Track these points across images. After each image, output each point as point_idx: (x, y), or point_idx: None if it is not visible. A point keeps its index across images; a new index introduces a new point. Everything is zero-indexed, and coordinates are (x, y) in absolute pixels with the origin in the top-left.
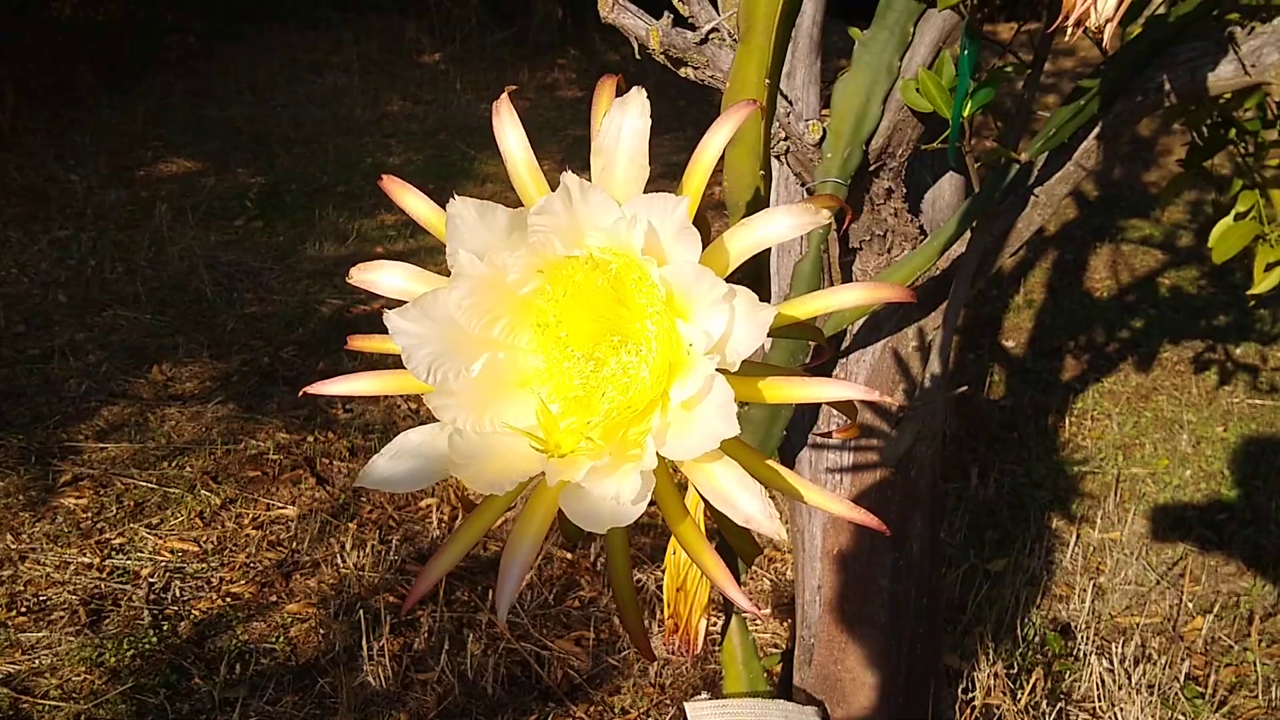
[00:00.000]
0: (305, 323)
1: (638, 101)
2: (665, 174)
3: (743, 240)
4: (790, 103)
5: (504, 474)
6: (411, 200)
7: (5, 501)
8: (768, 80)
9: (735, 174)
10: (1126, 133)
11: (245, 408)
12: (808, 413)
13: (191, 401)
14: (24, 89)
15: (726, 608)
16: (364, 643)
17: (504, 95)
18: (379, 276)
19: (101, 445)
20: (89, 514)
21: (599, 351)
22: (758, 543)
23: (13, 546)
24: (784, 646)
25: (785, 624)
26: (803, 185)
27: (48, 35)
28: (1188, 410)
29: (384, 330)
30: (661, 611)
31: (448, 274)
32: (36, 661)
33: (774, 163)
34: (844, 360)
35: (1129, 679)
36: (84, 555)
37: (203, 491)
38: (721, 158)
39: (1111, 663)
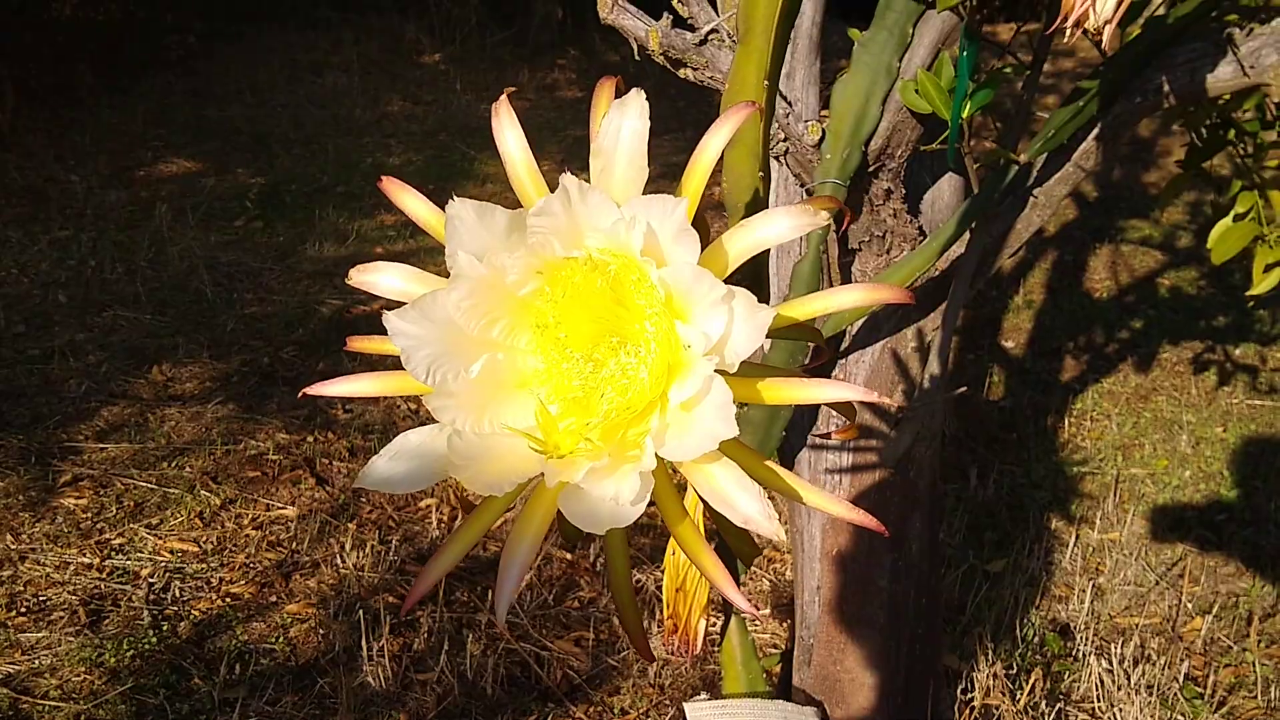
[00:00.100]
0: (305, 323)
1: (636, 103)
2: (665, 174)
3: (741, 241)
4: (789, 104)
5: (503, 475)
6: (410, 201)
7: (5, 502)
8: (766, 81)
9: (734, 175)
10: (1125, 134)
11: (245, 408)
12: (807, 413)
13: (191, 402)
14: (24, 89)
15: (726, 608)
16: (363, 643)
17: (503, 97)
18: (378, 278)
19: (101, 445)
20: (89, 514)
21: (598, 353)
22: (756, 544)
23: (13, 547)
24: (783, 647)
25: (784, 624)
26: (802, 186)
27: (48, 35)
28: (1187, 411)
29: (384, 331)
30: (661, 612)
31: (447, 275)
32: (36, 662)
33: (773, 164)
34: (843, 361)
35: (1128, 679)
36: (84, 555)
37: (202, 492)
38: (720, 159)
39: (1111, 663)
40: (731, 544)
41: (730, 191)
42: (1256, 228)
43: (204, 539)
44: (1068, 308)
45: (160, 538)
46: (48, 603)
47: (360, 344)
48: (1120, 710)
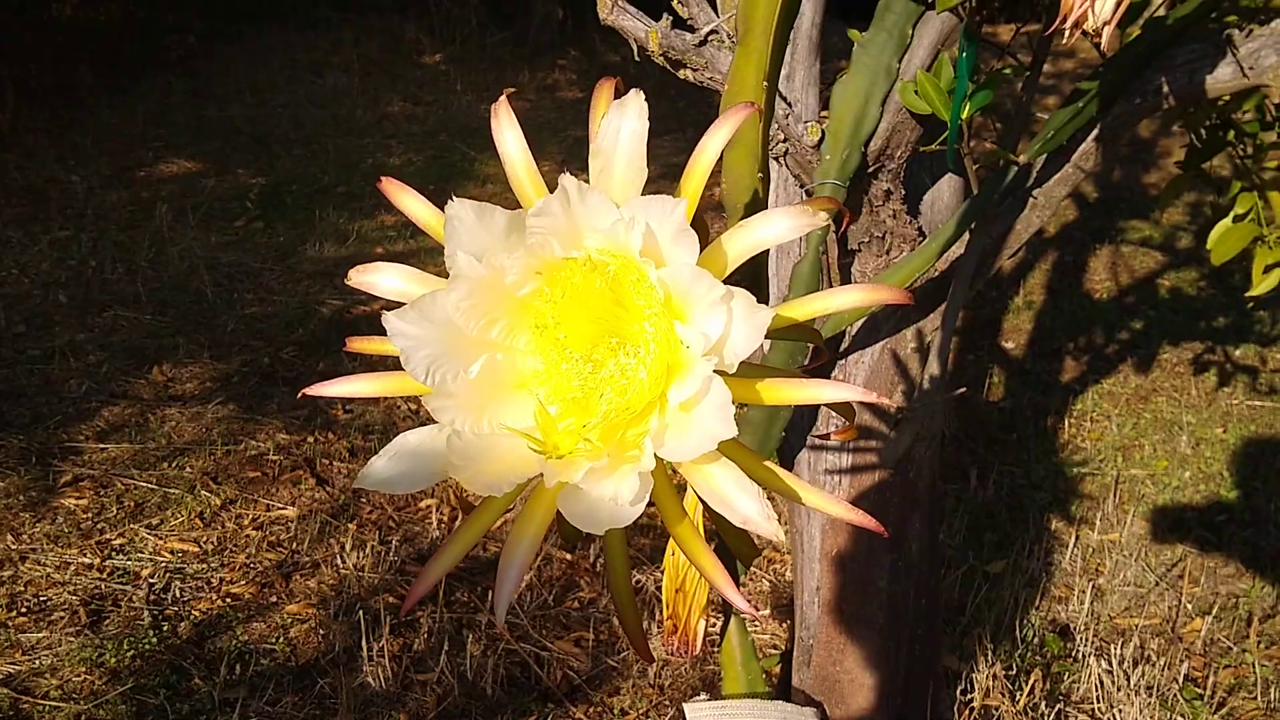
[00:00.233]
0: (305, 323)
1: (635, 104)
2: (665, 175)
3: (741, 242)
4: (789, 105)
5: (502, 475)
6: (410, 202)
7: (6, 502)
8: (766, 83)
9: (733, 176)
10: (1125, 135)
11: (245, 408)
12: (806, 414)
13: (192, 402)
14: (24, 89)
15: (725, 609)
16: (364, 643)
17: (502, 98)
18: (377, 279)
19: (102, 446)
20: (89, 514)
21: (597, 353)
22: (756, 544)
23: (13, 547)
24: (783, 648)
25: (784, 625)
26: (801, 187)
27: (48, 35)
28: (1187, 412)
29: (384, 332)
30: (661, 612)
31: (446, 276)
32: (37, 662)
33: (773, 165)
34: (843, 362)
35: (1128, 680)
36: (84, 556)
37: (203, 492)
38: (720, 160)
39: (1110, 664)
40: (731, 545)
41: (729, 192)
42: (1256, 229)
43: (204, 539)
44: (1068, 308)
45: (161, 538)
46: (48, 603)
47: (360, 345)
48: (1120, 711)
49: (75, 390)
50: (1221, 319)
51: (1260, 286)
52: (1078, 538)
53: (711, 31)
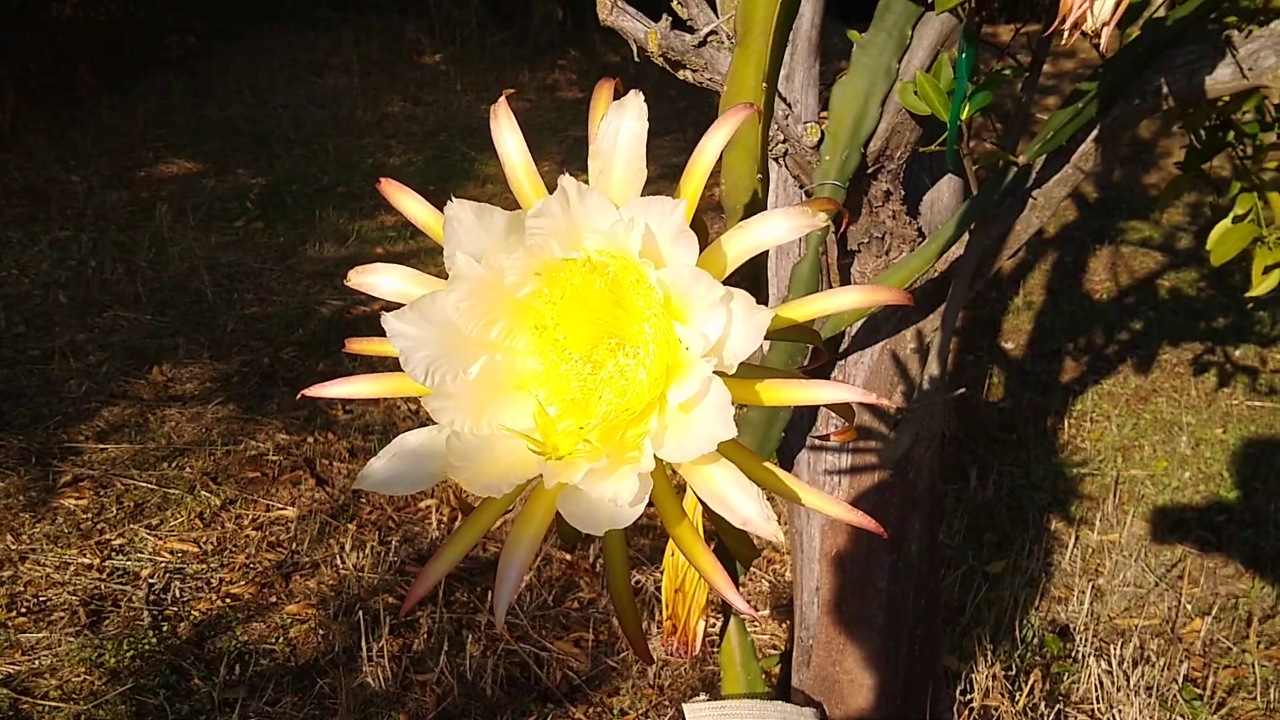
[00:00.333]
0: (305, 323)
1: (635, 105)
2: (665, 174)
3: (740, 243)
4: (789, 105)
5: (502, 476)
6: (410, 203)
7: (5, 502)
8: (765, 84)
9: (733, 177)
10: (1124, 135)
11: (245, 408)
12: (806, 414)
13: (191, 402)
14: (24, 89)
15: (725, 609)
16: (363, 644)
17: (501, 99)
18: (377, 280)
19: (102, 446)
20: (89, 515)
21: (596, 354)
22: (755, 545)
23: (13, 547)
24: (782, 648)
25: (784, 625)
26: (801, 188)
27: (48, 35)
28: (1187, 412)
29: (384, 332)
30: (660, 612)
31: (446, 276)
32: (36, 662)
33: (772, 165)
34: (842, 362)
35: (1127, 681)
36: (84, 556)
37: (202, 492)
38: (719, 161)
39: (1110, 664)
40: (730, 545)
41: (728, 193)
42: (1256, 229)
43: (204, 539)
44: (1068, 309)
45: (160, 538)
46: (48, 603)
47: (359, 346)
48: (1119, 712)
49: (75, 390)
50: (1221, 319)
51: (1260, 287)
52: (1077, 538)
53: (711, 32)
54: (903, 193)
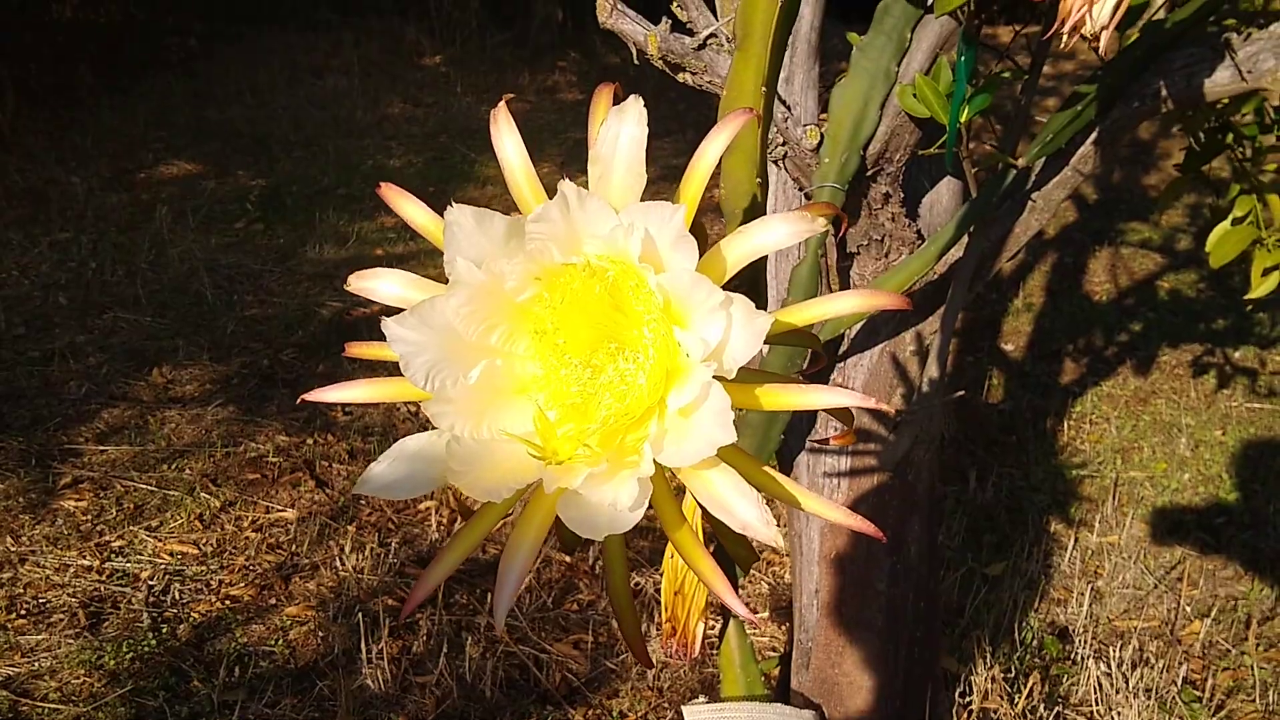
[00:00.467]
0: (305, 325)
1: (634, 110)
2: (665, 176)
3: (739, 248)
4: (788, 108)
5: (501, 481)
6: (410, 208)
7: (5, 504)
8: (764, 87)
9: (732, 181)
10: (1124, 138)
11: (245, 410)
12: (805, 416)
13: (191, 404)
14: (24, 90)
15: (724, 611)
16: (363, 646)
17: (501, 103)
18: (376, 284)
19: (101, 448)
20: (89, 516)
21: (596, 359)
22: (754, 549)
23: (12, 549)
24: (782, 650)
25: (783, 628)
26: (800, 190)
27: (48, 36)
28: (1186, 414)
29: (384, 335)
30: (660, 615)
31: (446, 280)
32: (36, 664)
33: (772, 168)
34: (841, 364)
35: (1126, 683)
36: (84, 558)
37: (202, 494)
38: (718, 165)
39: (1109, 666)
40: (730, 549)
41: (728, 197)
42: (1255, 231)
43: (204, 541)
44: (1067, 310)
45: (160, 540)
46: (47, 605)
47: (359, 350)
48: (1119, 713)
49: (75, 392)
50: (1221, 321)
51: (1259, 289)
52: (1077, 540)
53: (710, 35)
54: (902, 195)
